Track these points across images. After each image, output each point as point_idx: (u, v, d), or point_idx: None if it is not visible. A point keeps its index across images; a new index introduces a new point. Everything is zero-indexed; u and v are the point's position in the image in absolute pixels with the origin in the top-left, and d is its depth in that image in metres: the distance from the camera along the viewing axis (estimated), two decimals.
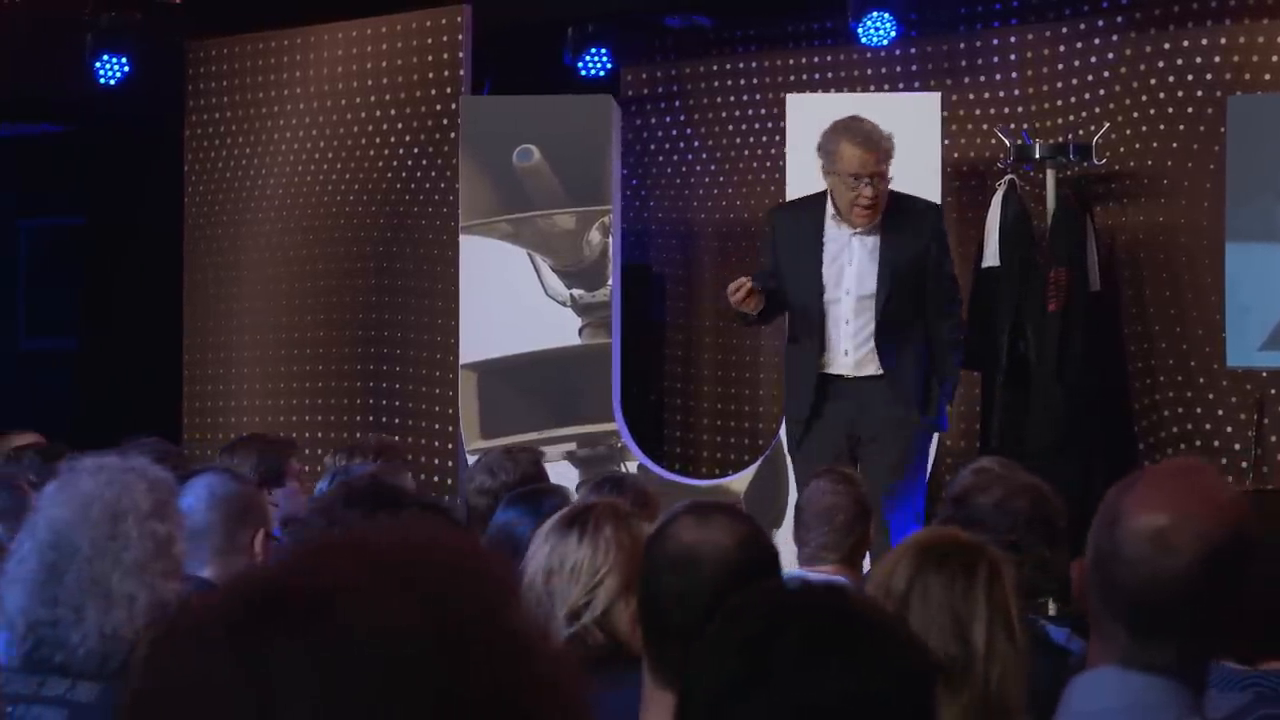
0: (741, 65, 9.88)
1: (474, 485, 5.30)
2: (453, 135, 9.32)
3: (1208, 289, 8.27)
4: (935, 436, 7.42)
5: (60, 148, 11.97)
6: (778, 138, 9.23)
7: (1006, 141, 8.53)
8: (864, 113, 6.98)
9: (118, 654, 2.99)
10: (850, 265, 6.88)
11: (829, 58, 9.55)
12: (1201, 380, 8.38)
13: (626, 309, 9.16)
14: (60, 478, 3.16)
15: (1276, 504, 3.09)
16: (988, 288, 8.32)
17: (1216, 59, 8.37)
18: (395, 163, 9.65)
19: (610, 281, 8.93)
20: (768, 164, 9.64)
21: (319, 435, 9.64)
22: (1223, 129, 8.10)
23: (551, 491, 4.42)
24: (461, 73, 9.39)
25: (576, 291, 8.94)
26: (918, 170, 7.70)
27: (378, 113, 9.69)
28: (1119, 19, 8.71)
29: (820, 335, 6.87)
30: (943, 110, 8.48)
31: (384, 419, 9.59)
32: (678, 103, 10.09)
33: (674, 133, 10.11)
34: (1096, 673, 2.39)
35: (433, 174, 9.52)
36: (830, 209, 6.89)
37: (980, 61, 9.08)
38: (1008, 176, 8.41)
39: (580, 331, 8.95)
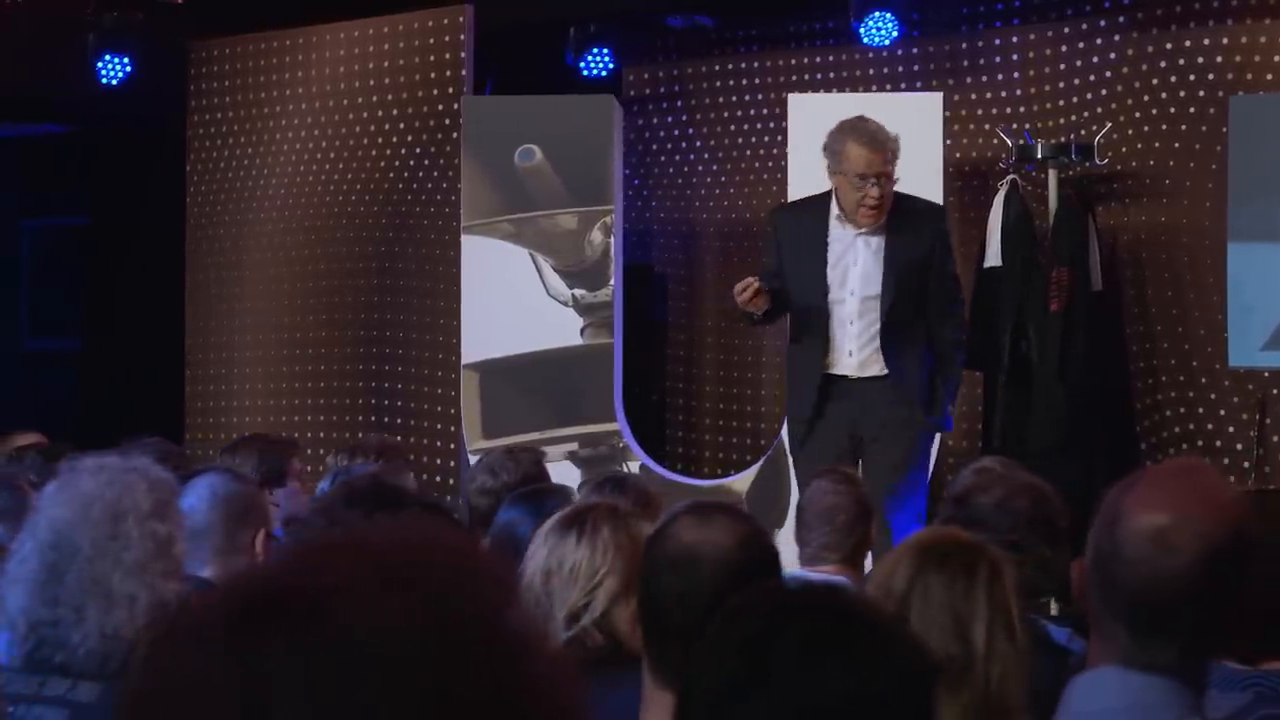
0: (743, 65, 9.88)
1: (475, 485, 5.29)
2: (455, 135, 9.32)
3: (1210, 289, 8.27)
4: (937, 436, 7.42)
5: (62, 148, 11.98)
6: (780, 138, 9.23)
7: (1008, 141, 8.53)
8: (866, 113, 6.99)
9: (118, 654, 2.99)
10: (855, 266, 6.88)
11: (831, 58, 9.55)
12: (1203, 380, 8.38)
13: (628, 309, 9.17)
14: (61, 478, 3.17)
15: (1277, 504, 3.09)
16: (990, 288, 8.32)
17: (1218, 59, 8.37)
18: (397, 163, 9.65)
19: (612, 281, 8.93)
20: (769, 164, 9.64)
21: (321, 435, 9.64)
22: (1225, 129, 8.10)
23: (554, 491, 4.42)
24: (463, 73, 9.39)
25: (578, 291, 8.94)
26: (919, 170, 7.70)
27: (380, 113, 9.69)
28: (1121, 19, 8.71)
29: (824, 336, 6.87)
30: (945, 110, 8.48)
31: (386, 419, 9.59)
32: (679, 103, 10.09)
33: (676, 133, 10.11)
34: (1097, 673, 2.39)
35: (435, 174, 9.52)
36: (835, 209, 6.89)
37: (982, 61, 9.08)
38: (1010, 176, 8.41)
39: (582, 331, 8.95)
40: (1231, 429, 8.29)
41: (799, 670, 1.84)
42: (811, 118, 8.30)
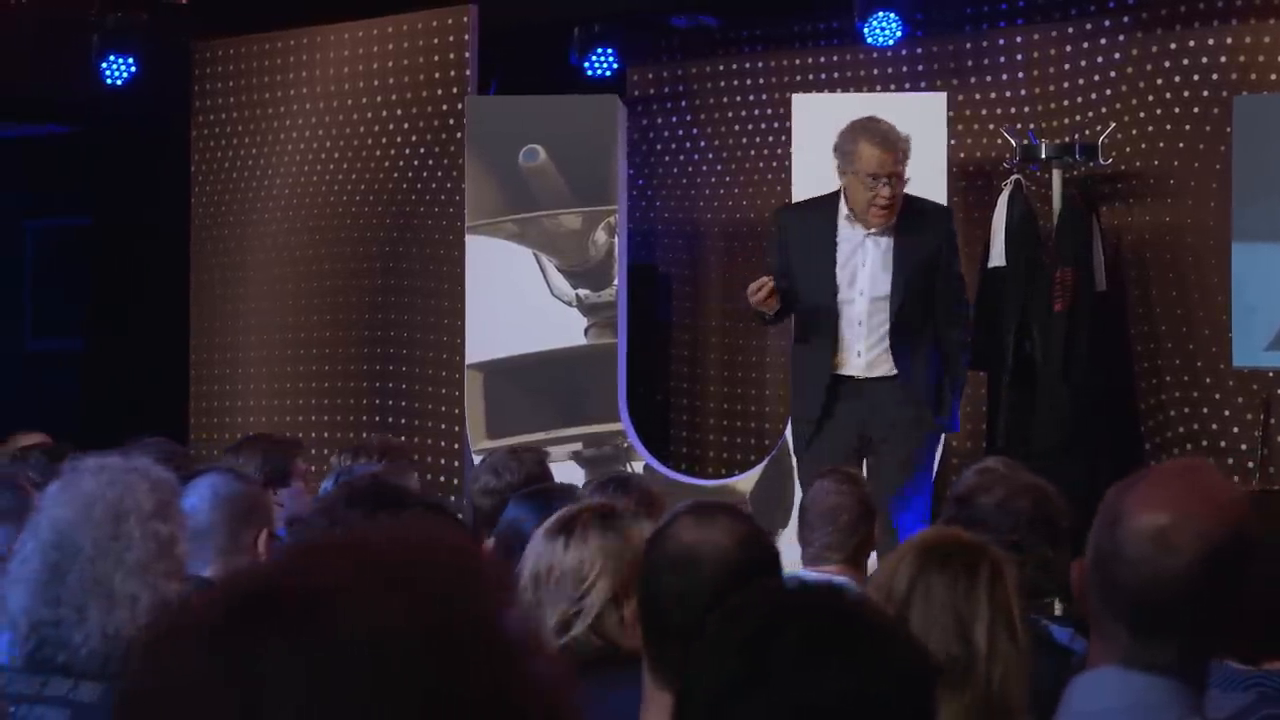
0: (747, 65, 9.88)
1: (479, 485, 5.29)
2: (459, 135, 9.32)
3: (1214, 289, 8.26)
4: (942, 437, 7.42)
5: (66, 148, 11.98)
6: (784, 138, 9.23)
7: (1012, 141, 8.53)
8: (869, 113, 6.99)
9: (120, 654, 2.99)
10: (864, 266, 6.88)
11: (835, 58, 9.55)
12: (1208, 380, 8.38)
13: (632, 309, 9.16)
14: (63, 478, 3.17)
15: (1277, 504, 3.09)
16: (993, 288, 8.32)
17: (1223, 59, 8.36)
18: (401, 163, 9.65)
19: (616, 281, 8.93)
20: (774, 164, 9.64)
21: (325, 435, 9.65)
22: (1229, 129, 8.10)
23: (561, 490, 4.41)
24: (468, 73, 9.39)
25: (582, 291, 8.94)
26: (923, 170, 7.68)
27: (384, 113, 9.69)
28: (1125, 19, 8.71)
29: (832, 336, 6.87)
30: (948, 110, 8.47)
31: (390, 419, 9.59)
32: (684, 103, 10.09)
33: (680, 133, 10.11)
34: (1097, 673, 2.39)
35: (439, 174, 9.52)
36: (843, 209, 6.89)
37: (986, 61, 9.07)
38: (1013, 176, 8.41)
39: (586, 331, 8.95)
40: (1236, 429, 8.29)
41: (798, 670, 1.83)
42: (815, 118, 8.31)
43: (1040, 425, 8.16)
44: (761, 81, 9.80)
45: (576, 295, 8.94)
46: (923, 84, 9.11)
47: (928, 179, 7.72)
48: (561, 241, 8.96)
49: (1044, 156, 8.40)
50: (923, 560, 2.80)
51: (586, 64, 9.59)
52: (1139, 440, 8.56)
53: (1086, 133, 8.58)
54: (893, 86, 9.23)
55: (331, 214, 9.89)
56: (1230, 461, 8.18)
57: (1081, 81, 8.79)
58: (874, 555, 5.16)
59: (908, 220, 6.87)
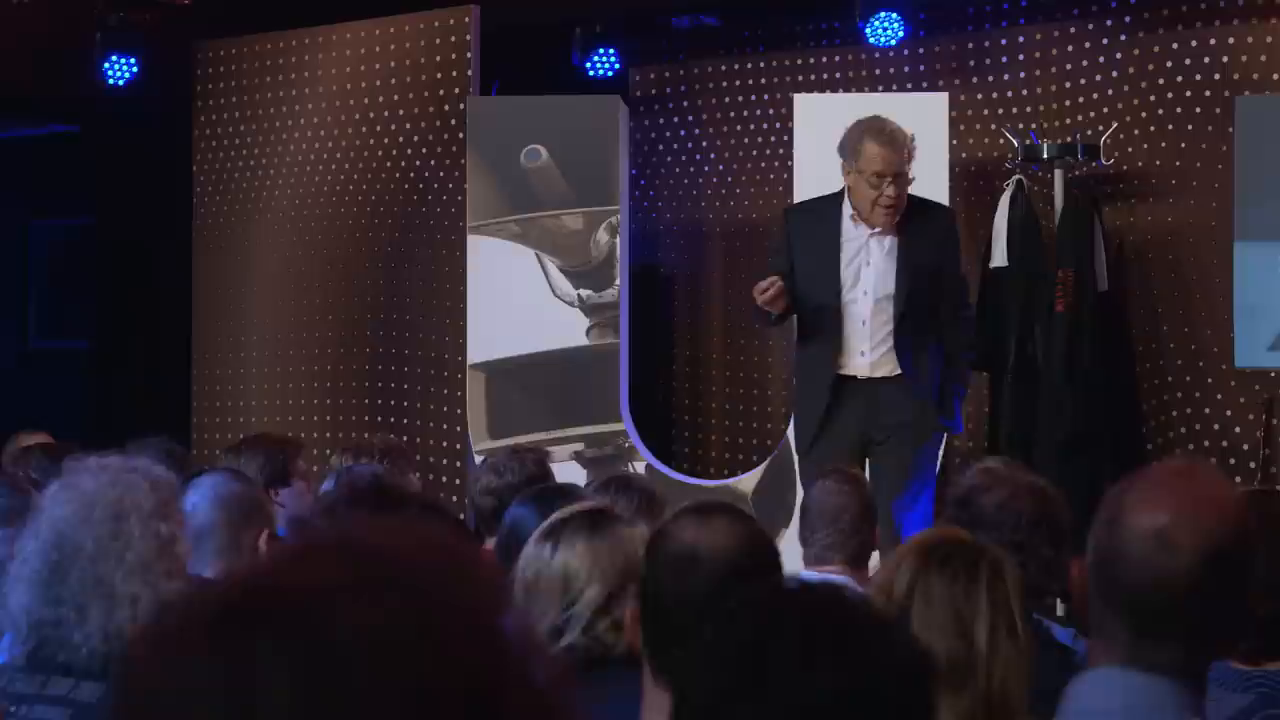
0: (749, 65, 9.88)
1: (480, 485, 5.29)
2: (460, 135, 9.32)
3: (1216, 289, 8.26)
4: (945, 437, 7.41)
5: (69, 148, 11.98)
6: (786, 138, 9.23)
7: (1014, 141, 8.52)
8: (872, 113, 6.98)
9: (121, 654, 2.99)
10: (869, 266, 6.87)
11: (837, 58, 9.54)
12: (1210, 380, 8.37)
13: (634, 309, 9.16)
14: (63, 478, 3.17)
15: (1277, 504, 3.08)
16: (995, 288, 8.32)
17: (1224, 59, 8.36)
18: (403, 163, 9.65)
19: (618, 282, 8.93)
20: (776, 164, 9.64)
21: (327, 435, 9.64)
22: (1230, 129, 8.09)
23: (563, 491, 4.40)
24: (469, 73, 9.39)
25: (584, 292, 8.94)
26: (925, 170, 7.67)
27: (386, 113, 9.69)
28: (1127, 19, 8.70)
29: (836, 335, 6.86)
30: (950, 110, 8.47)
31: (392, 419, 9.59)
32: (685, 103, 10.09)
33: (682, 133, 10.11)
34: (1098, 672, 2.39)
35: (440, 174, 9.52)
36: (848, 209, 6.89)
37: (988, 61, 9.07)
38: (1015, 176, 8.41)
39: (588, 332, 8.95)
40: (1238, 429, 8.28)
41: (797, 670, 1.83)
42: (818, 118, 8.31)
43: (1042, 426, 8.16)
44: (763, 82, 9.80)
45: (578, 295, 8.94)
46: (924, 84, 9.10)
47: (929, 179, 7.71)
48: (563, 242, 8.96)
49: (1046, 156, 8.39)
50: (923, 560, 2.80)
51: (588, 64, 9.59)
52: (1141, 440, 8.55)
53: (1088, 132, 8.58)
54: (894, 87, 9.23)
55: (333, 214, 9.89)
56: (1232, 462, 8.18)
57: (1083, 81, 8.79)
58: (876, 555, 5.16)
59: (912, 220, 6.87)
